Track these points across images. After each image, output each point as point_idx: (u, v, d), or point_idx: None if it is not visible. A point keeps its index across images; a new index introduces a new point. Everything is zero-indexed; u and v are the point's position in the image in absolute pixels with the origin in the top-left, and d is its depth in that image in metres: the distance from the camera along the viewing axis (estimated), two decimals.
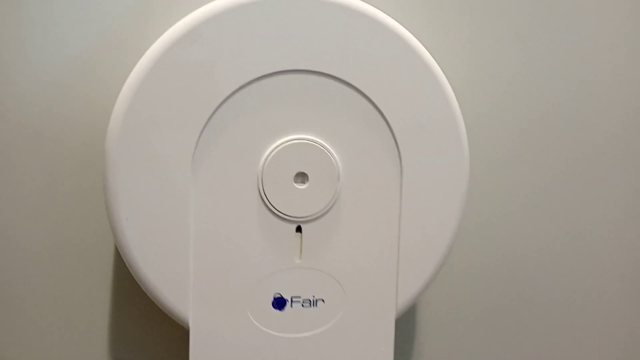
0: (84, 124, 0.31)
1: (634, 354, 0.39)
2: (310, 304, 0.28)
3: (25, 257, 0.32)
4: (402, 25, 0.28)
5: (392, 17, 0.28)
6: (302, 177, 0.28)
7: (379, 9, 0.27)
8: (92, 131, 0.31)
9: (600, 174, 0.36)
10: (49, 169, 0.31)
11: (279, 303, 0.28)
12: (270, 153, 0.27)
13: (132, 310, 0.33)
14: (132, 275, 0.29)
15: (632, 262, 0.38)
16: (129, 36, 0.31)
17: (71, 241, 0.32)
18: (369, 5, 0.27)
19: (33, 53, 0.30)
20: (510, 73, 0.34)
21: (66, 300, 0.32)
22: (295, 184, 0.28)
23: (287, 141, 0.27)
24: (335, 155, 0.28)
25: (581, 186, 0.36)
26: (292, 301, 0.28)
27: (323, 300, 0.29)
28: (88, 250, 0.32)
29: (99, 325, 0.33)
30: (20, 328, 0.32)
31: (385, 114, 0.28)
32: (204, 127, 0.27)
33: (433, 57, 0.28)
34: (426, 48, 0.28)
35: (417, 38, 0.28)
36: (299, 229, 0.28)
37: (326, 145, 0.28)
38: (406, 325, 0.35)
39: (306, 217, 0.28)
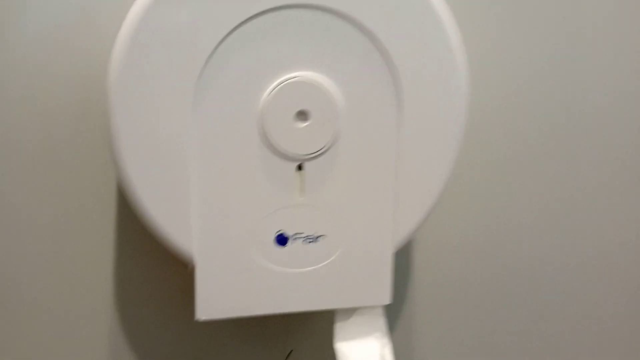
0: (79, 71, 0.30)
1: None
2: (311, 240, 0.29)
3: (28, 208, 0.32)
4: None
5: None
6: (302, 115, 0.28)
7: None
8: (89, 79, 0.30)
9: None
10: (47, 119, 0.31)
11: (282, 240, 0.29)
12: (271, 91, 0.27)
13: (137, 253, 0.33)
14: (135, 219, 0.29)
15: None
16: None
17: (73, 189, 0.32)
18: None
19: (25, 6, 0.29)
20: (517, 23, 0.34)
21: (71, 247, 0.33)
22: (295, 122, 0.28)
23: (287, 79, 0.27)
24: (335, 92, 0.28)
25: (579, 146, 0.37)
26: (294, 238, 0.29)
27: (324, 236, 0.29)
28: (90, 198, 0.32)
29: (105, 269, 0.33)
30: (27, 273, 0.32)
31: (385, 51, 0.28)
32: (204, 65, 0.26)
33: None
34: None
35: None
36: (300, 167, 0.28)
37: (327, 82, 0.28)
38: (403, 259, 0.36)
39: (307, 155, 0.28)
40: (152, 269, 0.34)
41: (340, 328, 0.30)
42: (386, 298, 0.30)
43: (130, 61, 0.26)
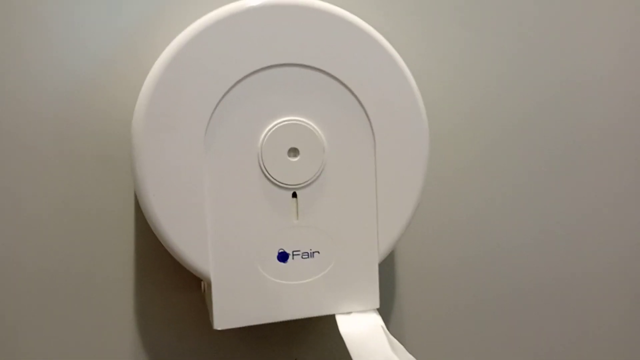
0: (106, 118, 0.36)
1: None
2: (308, 256, 0.34)
3: (52, 234, 0.36)
4: (369, 24, 0.34)
5: (361, 18, 0.34)
6: (294, 151, 0.34)
7: (352, 13, 0.34)
8: (115, 123, 0.36)
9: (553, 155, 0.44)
10: (75, 160, 0.36)
11: (283, 256, 0.34)
12: (268, 132, 0.33)
13: (155, 279, 0.38)
14: (155, 243, 0.34)
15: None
16: (145, 38, 0.36)
17: (98, 217, 0.37)
18: (345, 11, 0.33)
19: (58, 55, 0.35)
20: (459, 59, 0.41)
21: (94, 268, 0.37)
22: (289, 158, 0.34)
23: (280, 122, 0.33)
24: (320, 132, 0.34)
25: (525, 148, 0.43)
26: (293, 254, 0.34)
27: (318, 252, 0.34)
28: (113, 224, 0.37)
29: (127, 294, 0.38)
30: (50, 296, 0.37)
31: (358, 96, 0.34)
32: (213, 112, 0.32)
33: (395, 49, 0.34)
34: (390, 42, 0.34)
35: (382, 34, 0.34)
36: (294, 195, 0.34)
37: (312, 124, 0.34)
38: (388, 268, 0.42)
39: (300, 184, 0.34)
40: (169, 292, 0.38)
41: (340, 319, 0.35)
42: (376, 303, 0.35)
43: (151, 115, 0.31)
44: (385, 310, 0.41)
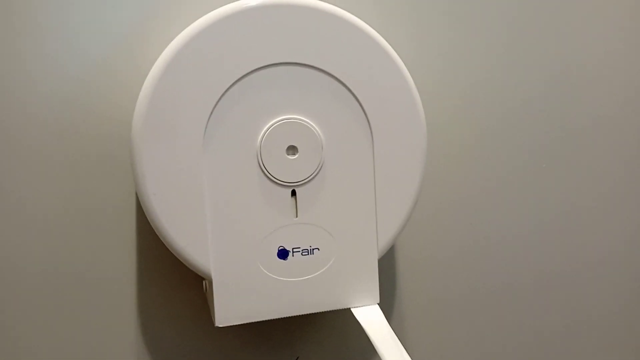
0: (106, 119, 0.36)
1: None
2: (308, 253, 0.35)
3: (54, 234, 0.37)
4: (367, 24, 0.34)
5: (358, 17, 0.34)
6: (292, 149, 0.34)
7: (348, 12, 0.34)
8: (114, 124, 0.37)
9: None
10: (75, 161, 0.36)
11: (283, 254, 0.34)
12: (266, 131, 0.33)
13: (158, 278, 0.38)
14: (157, 242, 0.34)
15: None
16: (142, 40, 0.36)
17: (99, 216, 0.37)
18: (342, 10, 0.34)
19: (57, 59, 0.36)
20: (456, 57, 0.42)
21: (96, 267, 0.37)
22: (287, 155, 0.34)
23: (279, 121, 0.34)
24: (318, 130, 0.34)
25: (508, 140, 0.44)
26: (293, 252, 0.34)
27: (318, 249, 0.35)
28: (114, 224, 0.37)
29: (130, 292, 0.38)
30: (50, 291, 0.37)
31: (356, 94, 0.34)
32: (211, 112, 0.32)
33: (393, 48, 0.35)
34: (387, 40, 0.34)
35: (380, 34, 0.34)
36: (293, 192, 0.34)
37: (311, 122, 0.34)
38: (388, 264, 0.42)
39: (298, 181, 0.34)
40: (171, 290, 0.39)
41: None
42: (376, 298, 0.36)
43: (150, 115, 0.32)
44: (386, 305, 0.42)
